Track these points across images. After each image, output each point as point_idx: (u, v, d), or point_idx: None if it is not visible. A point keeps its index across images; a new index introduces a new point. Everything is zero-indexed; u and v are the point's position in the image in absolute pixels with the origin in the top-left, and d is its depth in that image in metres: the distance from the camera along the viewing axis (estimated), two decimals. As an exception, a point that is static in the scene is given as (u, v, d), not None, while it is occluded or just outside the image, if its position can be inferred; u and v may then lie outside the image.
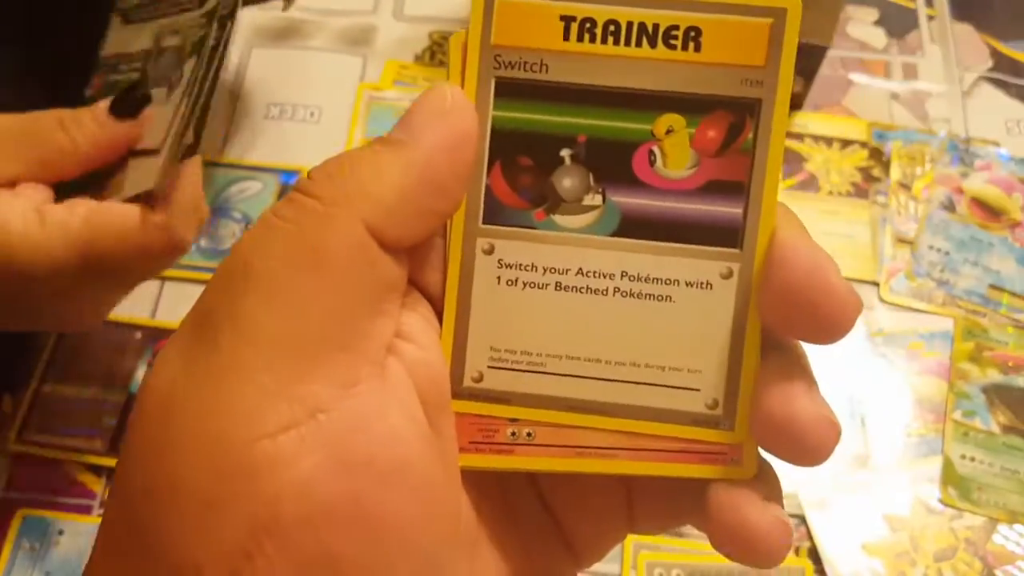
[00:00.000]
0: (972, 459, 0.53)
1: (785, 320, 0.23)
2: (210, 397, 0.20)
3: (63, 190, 0.41)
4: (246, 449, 0.19)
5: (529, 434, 0.24)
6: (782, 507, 0.24)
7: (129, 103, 0.42)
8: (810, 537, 0.51)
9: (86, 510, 0.51)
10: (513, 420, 0.24)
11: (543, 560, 0.26)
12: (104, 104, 0.42)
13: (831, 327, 0.22)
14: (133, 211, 0.39)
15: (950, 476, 0.53)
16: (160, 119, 0.42)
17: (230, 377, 0.20)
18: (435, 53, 0.67)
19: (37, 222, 0.39)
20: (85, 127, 0.41)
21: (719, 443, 0.24)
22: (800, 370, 0.24)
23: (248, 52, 0.67)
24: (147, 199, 0.40)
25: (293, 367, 0.20)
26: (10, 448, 0.52)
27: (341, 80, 0.66)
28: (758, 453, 0.24)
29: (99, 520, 0.51)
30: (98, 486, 0.51)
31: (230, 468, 0.19)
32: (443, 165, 0.22)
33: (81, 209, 0.39)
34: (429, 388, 0.22)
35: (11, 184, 0.40)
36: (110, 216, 0.39)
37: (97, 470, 0.52)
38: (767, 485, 0.24)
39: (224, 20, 0.42)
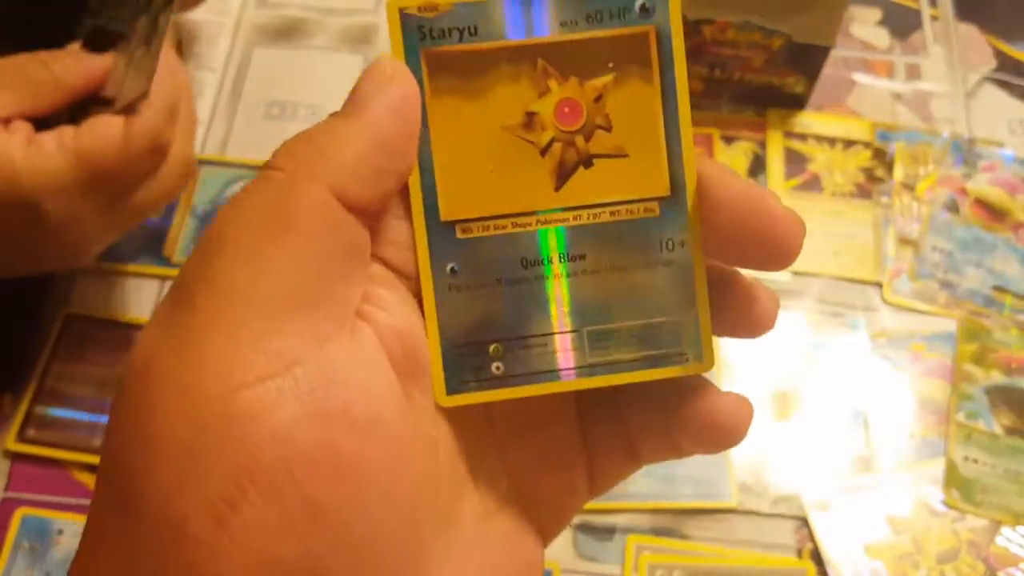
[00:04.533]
0: (975, 461, 0.53)
1: (735, 253, 0.26)
2: (188, 353, 0.21)
3: (43, 125, 0.45)
4: (226, 399, 0.20)
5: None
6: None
7: (102, 38, 0.46)
8: (813, 539, 0.51)
9: (86, 510, 0.50)
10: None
11: (555, 487, 0.28)
12: (78, 44, 0.46)
13: (781, 253, 0.24)
14: (116, 120, 0.43)
15: (953, 478, 0.53)
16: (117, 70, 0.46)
17: (207, 334, 0.21)
18: (437, 52, 0.67)
19: (35, 149, 0.42)
20: (63, 61, 0.45)
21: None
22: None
23: (249, 51, 0.67)
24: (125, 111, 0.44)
25: (267, 323, 0.21)
26: (9, 447, 0.52)
27: (342, 79, 0.65)
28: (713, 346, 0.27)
29: (99, 520, 0.51)
30: (98, 486, 0.51)
31: (210, 418, 0.20)
32: (393, 126, 0.24)
33: (69, 131, 0.43)
34: (400, 354, 0.24)
35: (4, 121, 0.43)
36: (97, 128, 0.43)
37: (97, 469, 0.52)
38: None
39: None
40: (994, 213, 0.61)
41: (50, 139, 0.43)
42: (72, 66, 0.45)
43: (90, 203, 0.44)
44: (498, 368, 0.26)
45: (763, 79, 0.63)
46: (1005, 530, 0.51)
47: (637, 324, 0.26)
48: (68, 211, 0.44)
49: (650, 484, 0.52)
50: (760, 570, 0.50)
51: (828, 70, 0.65)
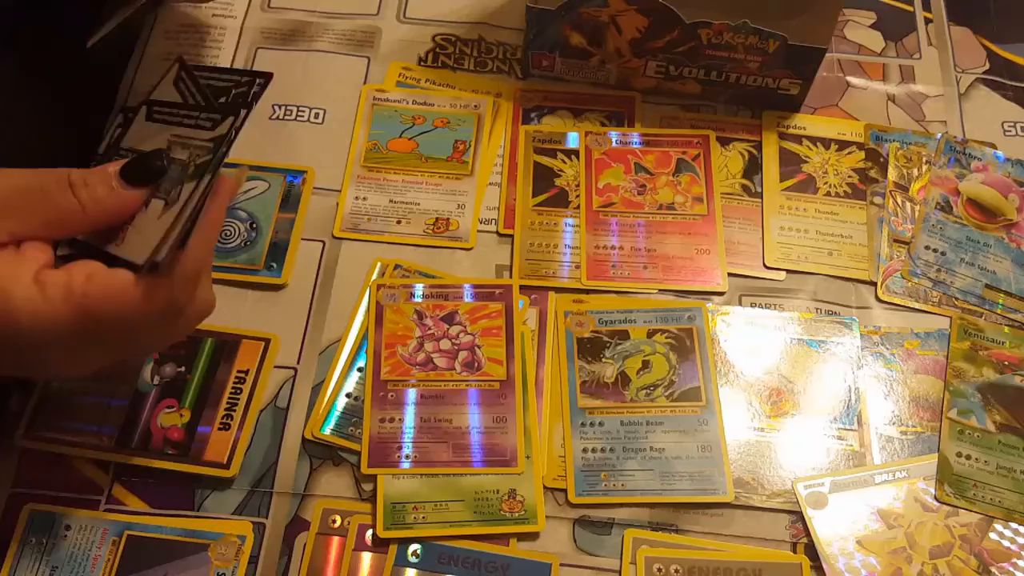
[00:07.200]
0: (968, 457, 0.54)
1: None
2: None
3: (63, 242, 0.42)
4: None
5: None
6: None
7: (145, 170, 0.42)
8: (807, 533, 0.51)
9: (93, 505, 0.51)
10: None
11: None
12: (114, 167, 0.42)
13: None
14: (130, 277, 0.40)
15: (946, 474, 0.53)
16: (153, 231, 0.42)
17: None
18: (438, 55, 0.68)
19: (39, 290, 0.39)
20: (93, 190, 0.41)
21: None
22: None
23: (253, 53, 0.67)
24: (147, 268, 0.40)
25: None
26: (18, 444, 0.52)
27: (345, 81, 0.66)
28: None
29: (105, 515, 0.52)
30: (105, 481, 0.52)
31: None
32: None
33: (80, 274, 0.40)
34: None
35: (16, 243, 0.41)
36: (108, 280, 0.40)
37: (104, 465, 0.52)
38: None
39: (225, 143, 0.43)
40: (986, 213, 0.62)
41: (59, 283, 0.39)
42: (103, 199, 0.41)
43: (88, 349, 0.42)
44: None
45: (759, 82, 0.64)
46: (997, 525, 0.52)
47: None
48: (62, 355, 0.41)
49: (647, 479, 0.53)
50: (755, 564, 0.50)
51: (823, 72, 0.66)
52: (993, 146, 0.65)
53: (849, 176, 0.63)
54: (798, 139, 0.65)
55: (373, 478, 0.52)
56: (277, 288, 0.58)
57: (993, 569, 0.51)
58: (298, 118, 0.64)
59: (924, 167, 0.64)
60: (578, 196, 0.62)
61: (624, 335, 0.57)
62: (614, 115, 0.66)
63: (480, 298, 0.58)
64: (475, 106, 0.65)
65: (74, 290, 0.39)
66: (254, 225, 0.60)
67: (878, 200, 0.62)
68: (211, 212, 0.42)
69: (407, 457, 0.53)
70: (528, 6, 0.62)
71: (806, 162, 0.64)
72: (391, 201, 0.61)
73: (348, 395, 0.55)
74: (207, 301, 0.45)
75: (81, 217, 0.41)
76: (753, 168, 0.64)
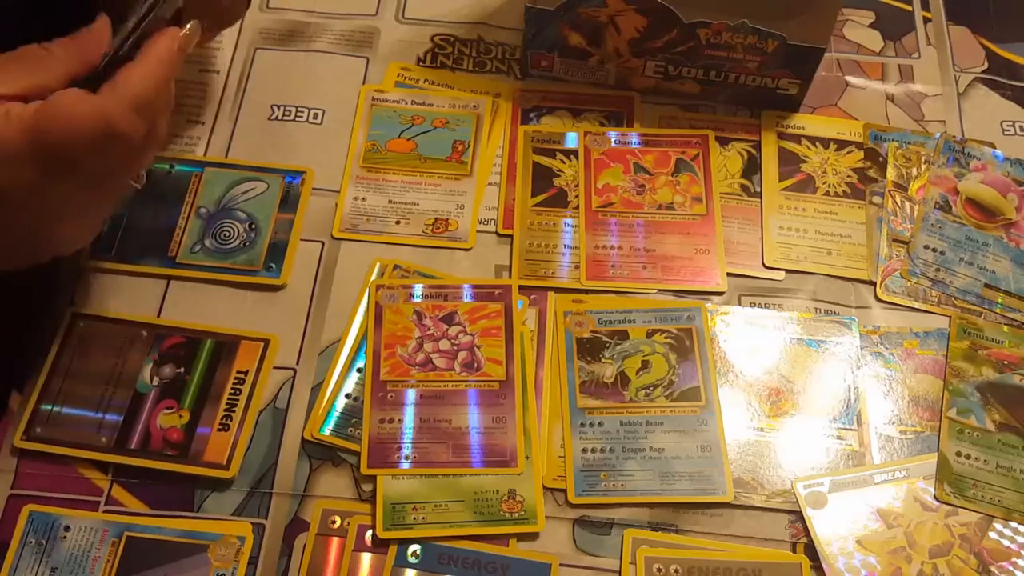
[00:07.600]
0: (967, 456, 0.54)
1: None
2: None
3: None
4: None
5: None
6: None
7: (86, 12, 0.47)
8: (807, 533, 0.52)
9: (92, 506, 0.51)
10: None
11: None
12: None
13: None
14: (78, 94, 0.43)
15: (945, 473, 0.53)
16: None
17: None
18: (437, 55, 0.68)
19: (3, 117, 0.43)
20: (61, 40, 0.46)
21: None
22: None
23: (252, 53, 0.67)
24: (87, 84, 0.45)
25: None
26: (17, 445, 0.52)
27: (344, 82, 0.66)
28: None
29: (105, 516, 0.52)
30: (104, 482, 0.52)
31: None
32: None
33: (37, 104, 0.43)
34: None
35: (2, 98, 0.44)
36: (58, 100, 0.43)
37: (103, 466, 0.52)
38: None
39: None
40: (985, 212, 0.62)
41: (18, 110, 0.43)
42: (64, 41, 0.46)
43: (45, 177, 0.44)
44: None
45: (758, 81, 0.64)
46: (997, 524, 0.52)
47: None
48: (17, 179, 0.43)
49: (647, 479, 0.53)
50: (755, 564, 0.50)
51: (821, 72, 0.66)
52: (992, 145, 0.65)
53: (848, 176, 0.63)
54: (797, 139, 0.65)
55: (373, 478, 0.52)
56: (276, 289, 0.58)
57: (993, 568, 0.51)
58: (297, 118, 0.64)
59: (923, 166, 0.64)
60: (577, 196, 0.62)
61: (623, 335, 0.57)
62: (613, 115, 0.66)
63: (479, 298, 0.58)
64: (474, 106, 0.65)
65: (29, 111, 0.43)
66: (253, 226, 0.60)
67: (877, 200, 0.63)
68: (157, 46, 0.46)
69: (407, 457, 0.53)
70: (527, 6, 0.62)
71: (805, 162, 0.64)
72: (390, 201, 0.61)
73: (347, 396, 0.55)
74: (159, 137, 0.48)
75: (52, 60, 0.45)
76: (752, 168, 0.64)
